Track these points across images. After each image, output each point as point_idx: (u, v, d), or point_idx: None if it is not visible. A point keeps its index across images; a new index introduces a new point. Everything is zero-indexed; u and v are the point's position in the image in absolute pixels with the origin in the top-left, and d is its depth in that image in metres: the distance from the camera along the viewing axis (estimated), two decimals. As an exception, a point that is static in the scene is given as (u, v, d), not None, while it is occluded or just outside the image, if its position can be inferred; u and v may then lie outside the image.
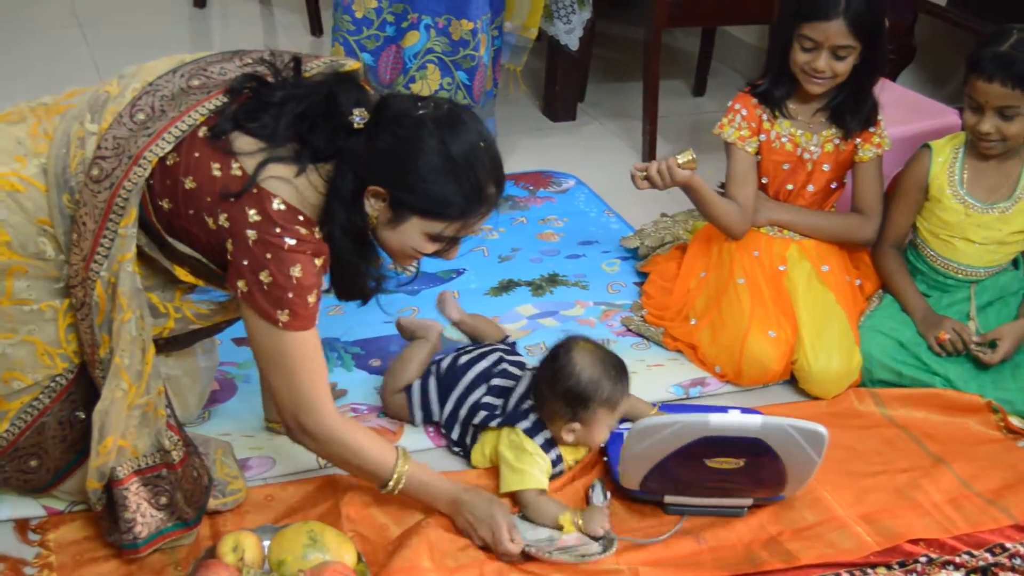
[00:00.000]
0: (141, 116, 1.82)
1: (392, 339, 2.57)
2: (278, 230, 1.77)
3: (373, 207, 1.85)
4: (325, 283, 1.92)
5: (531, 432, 2.11)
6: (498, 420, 2.15)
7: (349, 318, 2.66)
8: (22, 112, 1.93)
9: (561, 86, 3.80)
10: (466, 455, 2.24)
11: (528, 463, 2.08)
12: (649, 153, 3.55)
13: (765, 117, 2.59)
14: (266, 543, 1.87)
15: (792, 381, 2.54)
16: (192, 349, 2.17)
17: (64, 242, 1.85)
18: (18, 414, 1.90)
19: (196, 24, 4.72)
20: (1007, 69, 2.34)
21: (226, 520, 2.03)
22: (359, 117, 1.82)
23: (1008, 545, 2.08)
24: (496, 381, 2.23)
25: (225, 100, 1.84)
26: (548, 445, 2.12)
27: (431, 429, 2.30)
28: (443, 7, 3.08)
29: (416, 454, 2.23)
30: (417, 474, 1.98)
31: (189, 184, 1.80)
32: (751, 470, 2.00)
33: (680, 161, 2.43)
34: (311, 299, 1.82)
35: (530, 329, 2.68)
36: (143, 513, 1.89)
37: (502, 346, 2.38)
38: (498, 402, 2.20)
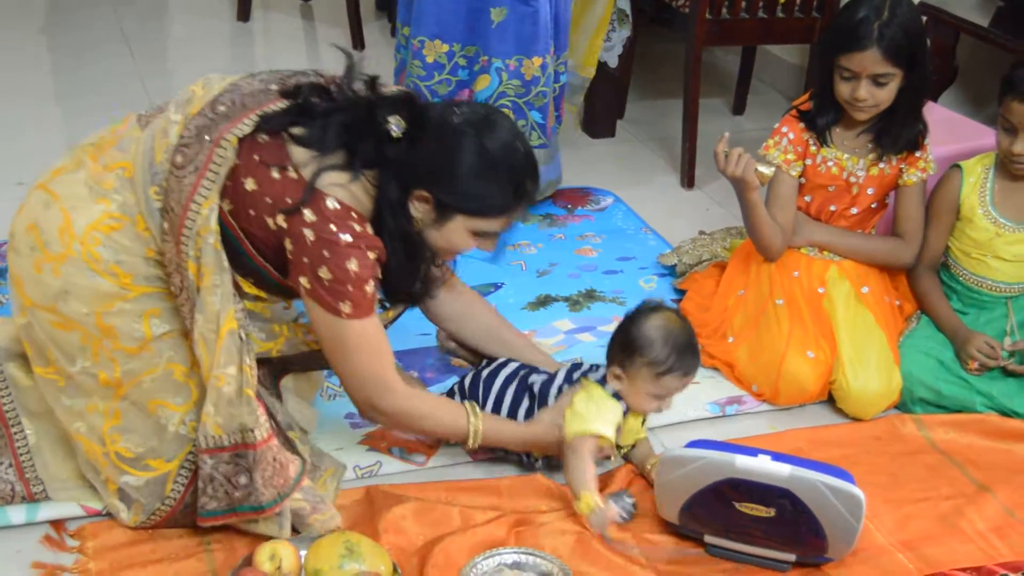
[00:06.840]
0: (222, 108, 1.91)
1: (430, 351, 2.58)
2: (333, 227, 1.85)
3: (418, 210, 1.94)
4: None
5: (601, 383, 2.17)
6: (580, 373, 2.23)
7: (387, 331, 2.67)
8: (77, 159, 1.98)
9: (600, 103, 3.80)
10: (506, 456, 2.25)
11: (592, 410, 2.11)
12: (688, 171, 3.55)
13: (812, 141, 2.58)
14: (303, 552, 1.87)
15: (830, 401, 2.52)
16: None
17: (158, 237, 1.91)
18: (178, 472, 1.98)
19: (239, 38, 4.77)
20: None
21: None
22: (396, 126, 1.90)
23: (1050, 569, 2.06)
24: (534, 377, 2.26)
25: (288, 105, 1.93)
26: (617, 398, 2.15)
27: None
28: (513, 48, 2.99)
29: (452, 467, 2.26)
30: (491, 425, 2.13)
31: (250, 186, 1.88)
32: (785, 523, 1.94)
33: (760, 167, 2.45)
34: (369, 289, 1.90)
35: (566, 345, 2.68)
36: (216, 487, 1.92)
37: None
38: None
